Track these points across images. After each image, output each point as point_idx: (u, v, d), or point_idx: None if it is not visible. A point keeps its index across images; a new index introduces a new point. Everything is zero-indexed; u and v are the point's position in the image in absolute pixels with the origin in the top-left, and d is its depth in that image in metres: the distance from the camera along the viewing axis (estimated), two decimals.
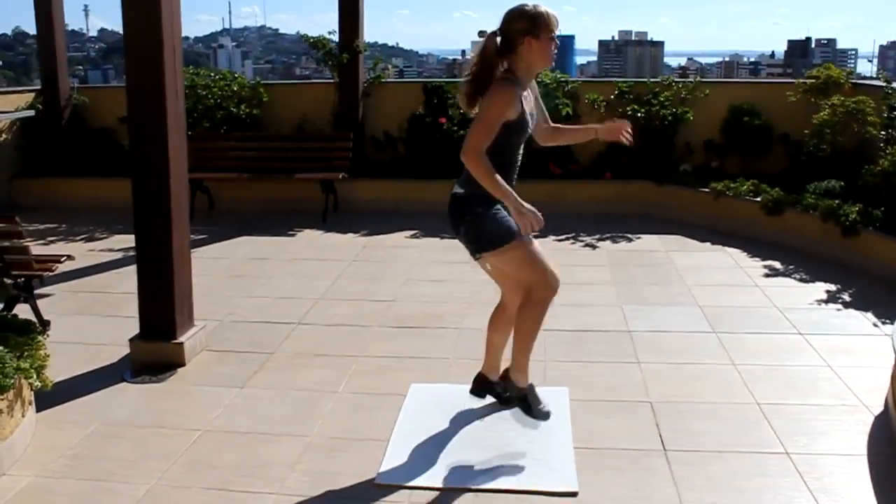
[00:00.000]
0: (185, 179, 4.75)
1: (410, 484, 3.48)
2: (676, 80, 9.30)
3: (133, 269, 4.84)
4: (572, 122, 8.95)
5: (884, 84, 7.68)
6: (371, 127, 9.50)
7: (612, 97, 9.19)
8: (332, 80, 9.45)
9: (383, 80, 9.47)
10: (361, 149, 9.21)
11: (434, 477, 3.53)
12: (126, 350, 4.84)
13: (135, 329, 4.89)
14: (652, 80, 9.44)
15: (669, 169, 8.82)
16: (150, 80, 4.41)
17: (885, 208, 6.52)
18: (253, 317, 5.62)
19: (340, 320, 5.55)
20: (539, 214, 3.39)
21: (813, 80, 8.50)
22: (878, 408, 4.18)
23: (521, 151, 3.68)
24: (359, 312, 5.71)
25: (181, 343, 4.74)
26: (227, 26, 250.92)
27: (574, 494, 3.40)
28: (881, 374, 4.51)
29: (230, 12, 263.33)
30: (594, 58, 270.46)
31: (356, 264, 6.98)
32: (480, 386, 4.14)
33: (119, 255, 7.25)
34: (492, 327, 4.10)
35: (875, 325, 5.40)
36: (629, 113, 8.73)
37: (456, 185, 3.71)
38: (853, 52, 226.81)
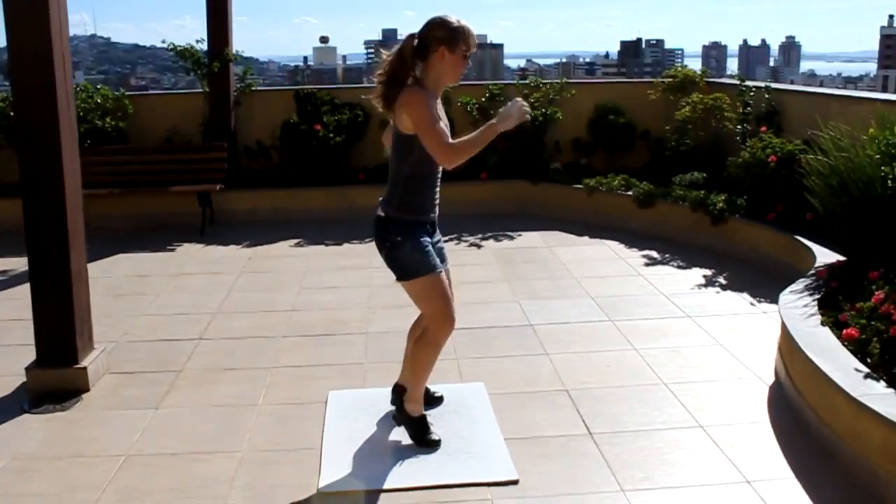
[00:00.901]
0: (80, 196, 4.51)
1: (354, 489, 3.48)
2: (545, 81, 9.66)
3: (12, 292, 4.55)
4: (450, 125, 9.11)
5: (736, 82, 8.30)
6: (243, 136, 9.30)
7: (483, 100, 9.42)
8: (200, 91, 9.17)
9: (254, 88, 9.29)
10: (235, 159, 9.00)
11: (376, 480, 3.55)
12: (20, 379, 4.55)
13: (26, 356, 4.61)
14: (521, 82, 9.76)
15: (541, 168, 9.14)
16: (40, 88, 4.16)
17: (747, 197, 7.05)
18: (150, 336, 5.41)
19: (243, 333, 5.43)
20: (518, 103, 3.46)
21: (671, 80, 9.07)
22: (770, 378, 4.55)
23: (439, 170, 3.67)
24: (260, 324, 5.61)
25: (84, 367, 4.50)
26: None
27: (515, 482, 3.51)
28: (767, 349, 4.92)
29: None
30: None
31: (246, 276, 6.84)
32: (401, 395, 4.16)
33: None
34: (411, 337, 4.11)
35: (752, 304, 5.86)
36: None
37: (379, 205, 3.71)
38: (680, 52, 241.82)
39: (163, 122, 9.06)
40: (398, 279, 3.71)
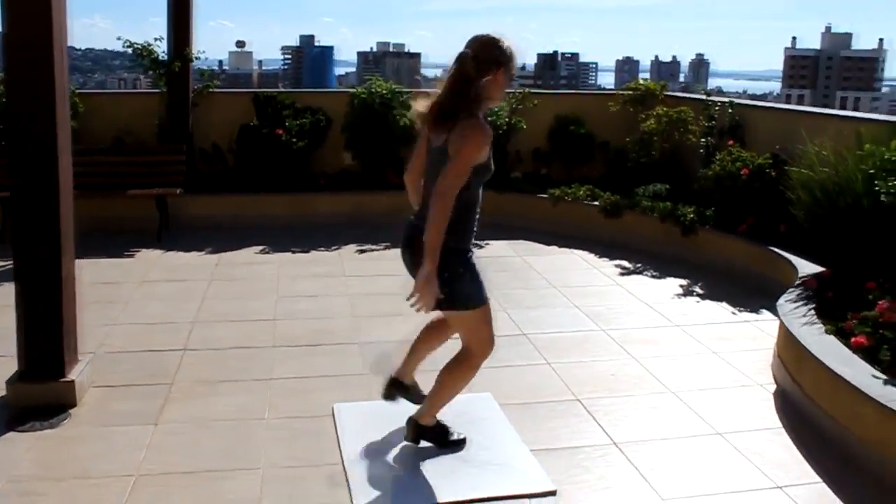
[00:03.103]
0: (72, 196, 4.24)
1: None
2: (517, 91, 9.65)
3: None
4: (409, 132, 9.03)
5: (696, 96, 8.49)
6: (199, 139, 8.98)
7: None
8: (151, 91, 8.83)
9: (212, 89, 8.99)
10: (191, 162, 8.69)
11: (411, 496, 3.44)
12: None
13: (5, 369, 4.30)
14: None
15: (505, 177, 9.13)
16: (40, 78, 3.89)
17: (716, 209, 7.20)
18: (130, 346, 5.13)
19: (230, 343, 5.21)
20: (436, 292, 3.25)
21: (632, 92, 9.21)
22: (771, 385, 4.63)
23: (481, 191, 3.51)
24: (245, 334, 5.39)
25: (72, 381, 4.22)
26: None
27: (553, 493, 3.46)
28: (760, 356, 5.02)
29: None
30: (353, 69, 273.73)
31: (217, 284, 6.58)
32: (393, 386, 4.06)
33: None
34: (422, 336, 3.99)
35: (733, 313, 5.97)
36: None
37: (422, 231, 3.35)
38: (594, 66, 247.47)
39: (114, 122, 8.66)
40: (449, 310, 3.50)
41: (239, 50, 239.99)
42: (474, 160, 3.29)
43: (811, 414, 4.11)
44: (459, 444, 3.83)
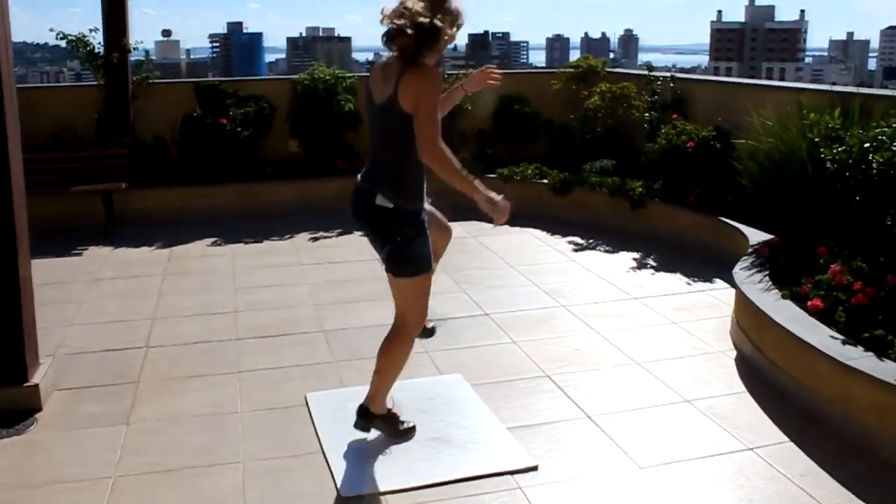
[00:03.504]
0: (24, 195, 4.12)
1: (377, 490, 3.39)
2: (450, 72, 9.65)
3: None
4: (354, 117, 8.99)
5: (638, 72, 8.63)
6: (141, 132, 8.76)
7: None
8: (89, 84, 8.58)
9: (151, 80, 8.77)
10: (134, 156, 8.49)
11: (395, 479, 3.46)
12: None
13: None
14: None
15: None
16: None
17: (663, 182, 7.35)
18: (89, 346, 5.03)
19: (193, 338, 5.14)
20: (507, 202, 3.33)
21: (574, 70, 9.31)
22: (731, 351, 4.78)
23: None
24: (208, 328, 5.33)
25: (35, 385, 4.12)
26: None
27: (535, 468, 3.53)
28: (718, 324, 5.18)
29: None
30: (283, 55, 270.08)
31: (172, 279, 6.47)
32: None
33: None
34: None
35: (688, 283, 6.12)
36: None
37: (378, 195, 3.41)
38: (525, 45, 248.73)
39: (50, 117, 8.38)
40: (397, 275, 3.51)
41: (165, 39, 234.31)
42: (437, 101, 3.24)
43: (773, 376, 4.26)
44: (409, 433, 3.79)
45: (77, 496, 3.36)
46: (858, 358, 3.70)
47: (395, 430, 3.79)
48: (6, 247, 3.98)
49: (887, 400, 3.51)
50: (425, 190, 3.50)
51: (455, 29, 3.35)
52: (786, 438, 3.75)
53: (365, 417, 3.73)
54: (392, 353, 3.62)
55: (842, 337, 3.93)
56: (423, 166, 3.39)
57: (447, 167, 3.22)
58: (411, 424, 3.84)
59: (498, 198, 3.33)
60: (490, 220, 3.35)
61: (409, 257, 3.45)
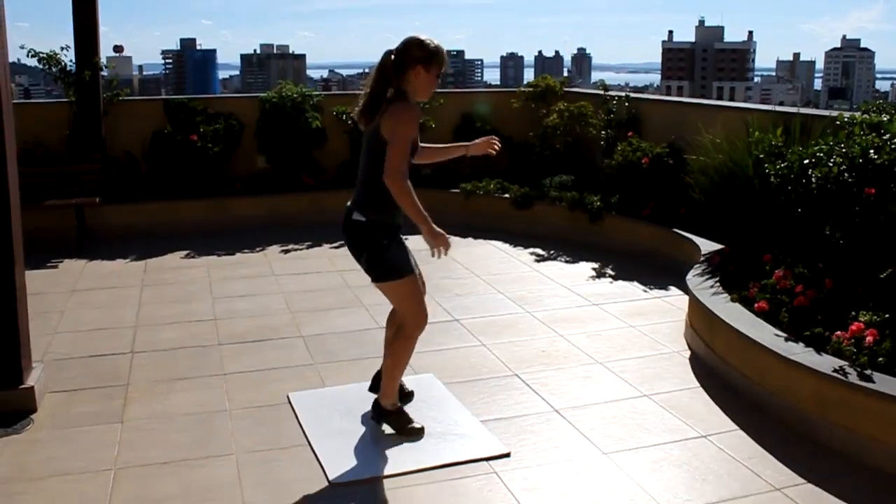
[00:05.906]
0: (19, 205, 4.33)
1: (366, 477, 3.66)
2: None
3: None
4: (320, 134, 9.28)
5: (595, 91, 9.06)
6: (111, 148, 8.91)
7: (357, 109, 9.57)
8: (59, 100, 8.72)
9: (122, 97, 8.95)
10: (105, 171, 8.64)
11: (382, 466, 3.74)
12: None
13: None
14: None
15: (414, 173, 9.42)
16: None
17: (619, 196, 7.76)
18: (76, 353, 5.21)
19: (176, 344, 5.36)
20: (447, 238, 3.70)
21: (533, 89, 9.71)
22: (686, 351, 5.16)
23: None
24: (190, 334, 5.54)
25: (31, 387, 4.31)
26: None
27: (507, 455, 3.84)
28: (673, 327, 5.56)
29: None
30: (237, 72, 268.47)
31: (150, 289, 6.66)
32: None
33: None
34: (390, 327, 4.30)
35: (644, 290, 6.51)
36: None
37: (354, 211, 3.85)
38: (480, 63, 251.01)
39: (20, 133, 8.46)
40: (379, 281, 3.89)
41: (117, 55, 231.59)
42: (410, 136, 3.69)
43: (724, 372, 4.64)
44: (418, 434, 4.04)
45: (82, 486, 3.57)
46: (800, 353, 4.09)
47: (403, 429, 4.06)
48: (4, 255, 4.18)
49: (826, 390, 3.90)
50: (398, 212, 3.80)
51: (435, 66, 3.76)
52: (736, 427, 4.11)
53: (376, 411, 4.11)
54: (396, 351, 4.00)
55: (785, 335, 4.32)
56: None
57: (404, 194, 3.64)
58: (420, 426, 4.08)
59: (438, 231, 3.69)
60: (455, 234, 3.68)
61: (385, 262, 3.84)
